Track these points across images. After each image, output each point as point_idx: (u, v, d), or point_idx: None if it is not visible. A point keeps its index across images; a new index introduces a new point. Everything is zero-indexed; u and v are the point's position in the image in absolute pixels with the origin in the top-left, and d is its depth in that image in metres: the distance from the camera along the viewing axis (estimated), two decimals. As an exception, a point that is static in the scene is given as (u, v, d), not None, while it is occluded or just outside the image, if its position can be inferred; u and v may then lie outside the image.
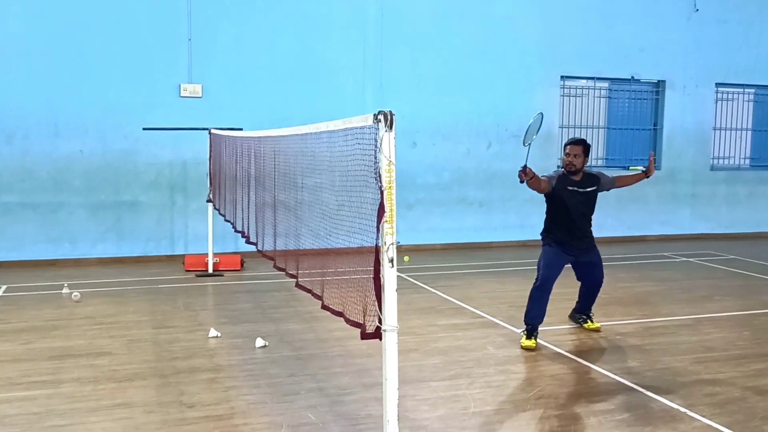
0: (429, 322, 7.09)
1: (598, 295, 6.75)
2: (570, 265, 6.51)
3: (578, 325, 6.88)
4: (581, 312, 6.87)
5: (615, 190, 6.77)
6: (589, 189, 6.35)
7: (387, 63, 11.60)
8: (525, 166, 5.66)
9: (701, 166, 13.77)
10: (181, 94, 10.71)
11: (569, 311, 7.03)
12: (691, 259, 11.19)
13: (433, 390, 5.15)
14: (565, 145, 6.37)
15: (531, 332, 6.25)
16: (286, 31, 11.14)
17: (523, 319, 6.32)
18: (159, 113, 10.56)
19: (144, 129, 10.44)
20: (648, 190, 13.16)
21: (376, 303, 3.53)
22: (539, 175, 6.07)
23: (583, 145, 6.30)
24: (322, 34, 11.30)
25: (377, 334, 3.56)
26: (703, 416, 4.66)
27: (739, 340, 6.62)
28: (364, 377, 5.37)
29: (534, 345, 6.18)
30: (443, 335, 6.64)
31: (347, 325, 4.00)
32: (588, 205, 6.41)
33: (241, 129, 9.91)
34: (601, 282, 6.65)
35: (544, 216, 6.49)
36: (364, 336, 3.68)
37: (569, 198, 6.27)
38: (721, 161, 14.13)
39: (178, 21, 10.62)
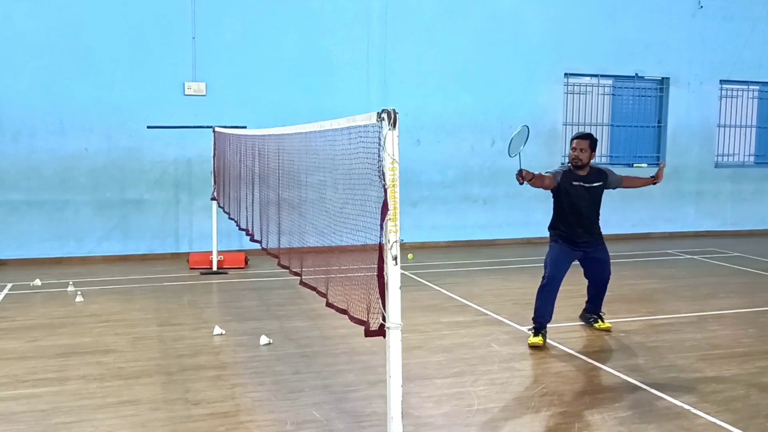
0: (433, 320, 7.10)
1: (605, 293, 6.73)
2: (578, 262, 6.48)
3: (588, 324, 6.80)
4: (592, 312, 6.79)
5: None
6: (595, 184, 6.30)
7: (391, 59, 11.60)
8: (520, 170, 5.72)
9: (706, 163, 13.74)
10: (186, 93, 10.73)
11: (574, 309, 7.02)
12: (695, 257, 11.17)
13: (437, 387, 5.16)
14: (572, 140, 6.33)
15: (538, 330, 6.23)
16: (289, 28, 11.15)
17: (531, 317, 6.31)
18: (163, 111, 10.60)
19: (149, 127, 10.47)
20: (653, 188, 13.00)
21: (380, 300, 3.54)
22: (542, 173, 6.12)
23: (589, 140, 6.26)
24: (326, 31, 11.31)
25: (381, 331, 3.57)
26: (708, 413, 4.66)
27: (744, 337, 6.61)
28: (369, 374, 5.38)
29: (541, 342, 6.16)
30: (447, 332, 6.65)
31: (352, 323, 4.01)
32: (594, 200, 6.35)
33: (245, 127, 9.96)
34: (608, 279, 6.59)
35: (552, 211, 6.45)
36: (368, 333, 3.69)
37: (574, 193, 6.24)
38: (725, 158, 14.09)
39: (182, 19, 10.64)
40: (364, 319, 3.78)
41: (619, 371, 5.53)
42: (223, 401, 4.86)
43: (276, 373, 5.47)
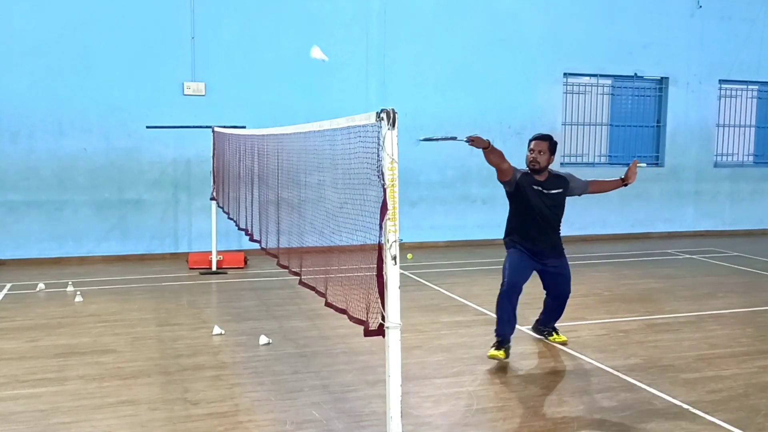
0: (432, 320, 7.10)
1: (568, 303, 6.15)
2: (537, 274, 5.95)
3: (542, 337, 6.36)
4: (545, 324, 6.31)
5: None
6: (554, 191, 5.77)
7: (390, 60, 11.60)
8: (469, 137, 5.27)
9: (705, 163, 13.75)
10: (185, 93, 10.73)
11: (574, 309, 6.98)
12: (694, 256, 11.18)
13: (436, 387, 5.16)
14: (530, 141, 5.77)
15: (501, 343, 5.70)
16: (288, 28, 11.15)
17: (494, 329, 5.79)
18: (162, 111, 10.59)
19: (148, 127, 10.46)
20: (651, 188, 13.16)
21: (379, 300, 3.55)
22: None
23: (549, 141, 5.73)
24: (325, 31, 11.30)
25: (380, 331, 3.58)
26: (706, 413, 4.66)
27: (742, 337, 6.61)
28: (368, 374, 5.39)
29: (503, 356, 5.63)
30: (446, 332, 6.65)
31: (351, 323, 4.02)
32: (555, 208, 5.79)
33: (244, 127, 9.94)
34: (568, 295, 6.04)
35: (507, 218, 5.94)
36: (368, 333, 3.70)
37: (534, 198, 5.71)
38: (724, 158, 14.10)
39: (181, 19, 10.64)
40: (364, 319, 3.79)
41: (617, 371, 5.53)
42: (222, 401, 4.86)
43: (275, 373, 5.47)
